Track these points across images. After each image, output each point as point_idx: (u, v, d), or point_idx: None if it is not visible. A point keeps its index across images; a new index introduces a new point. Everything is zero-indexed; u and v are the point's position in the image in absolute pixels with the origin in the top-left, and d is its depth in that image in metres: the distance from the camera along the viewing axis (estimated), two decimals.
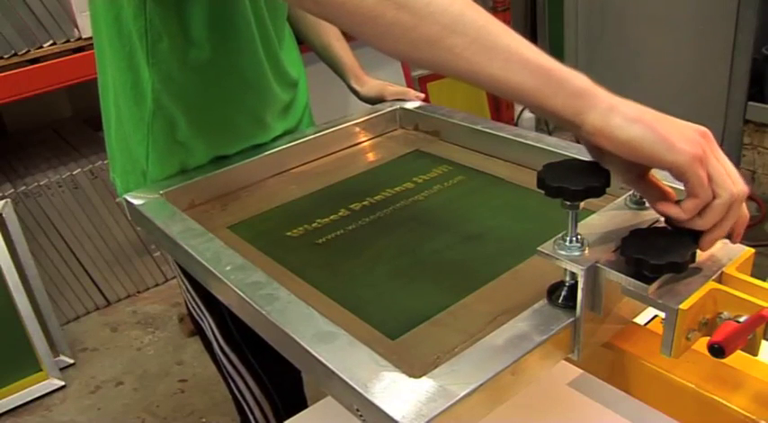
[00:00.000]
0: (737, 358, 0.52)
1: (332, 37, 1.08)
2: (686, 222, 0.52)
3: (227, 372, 1.01)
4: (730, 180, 0.51)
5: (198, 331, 1.06)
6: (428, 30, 0.53)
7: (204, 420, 1.78)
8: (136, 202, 0.83)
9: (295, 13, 1.05)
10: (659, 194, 0.54)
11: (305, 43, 1.09)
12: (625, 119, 0.50)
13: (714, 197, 0.50)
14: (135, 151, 0.88)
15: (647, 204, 0.59)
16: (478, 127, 0.95)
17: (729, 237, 0.54)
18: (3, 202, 1.85)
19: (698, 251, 0.53)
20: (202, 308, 0.96)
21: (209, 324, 0.98)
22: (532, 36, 2.96)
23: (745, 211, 0.53)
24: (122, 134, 0.89)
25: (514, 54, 0.52)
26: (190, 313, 1.04)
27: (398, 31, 0.54)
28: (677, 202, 0.53)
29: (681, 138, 0.50)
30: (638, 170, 0.54)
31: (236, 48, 0.84)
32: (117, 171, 0.94)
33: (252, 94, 0.89)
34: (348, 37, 0.96)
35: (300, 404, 1.07)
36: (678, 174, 0.50)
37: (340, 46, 1.08)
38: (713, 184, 0.50)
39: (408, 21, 0.53)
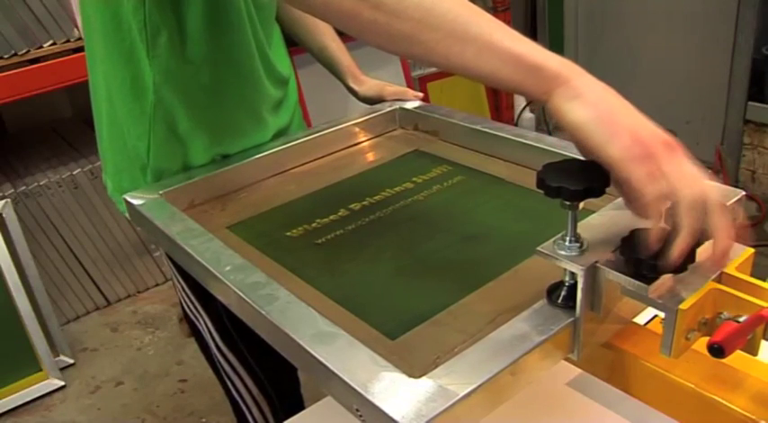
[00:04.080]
0: (737, 358, 0.52)
1: (328, 38, 1.08)
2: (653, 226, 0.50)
3: (225, 372, 1.00)
4: (686, 181, 0.49)
5: (194, 332, 1.06)
6: (402, 26, 0.56)
7: (204, 420, 1.78)
8: (135, 202, 0.83)
9: (291, 16, 1.05)
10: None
11: (302, 45, 1.10)
12: (580, 102, 0.51)
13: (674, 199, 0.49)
14: (134, 147, 0.88)
15: None
16: (478, 127, 0.95)
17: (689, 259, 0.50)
18: (3, 202, 1.85)
19: (697, 251, 0.52)
20: (198, 308, 0.96)
21: (205, 324, 0.97)
22: (532, 36, 2.95)
23: (724, 221, 0.49)
24: (117, 131, 0.90)
25: (485, 43, 0.55)
26: (186, 314, 1.04)
27: (376, 27, 0.58)
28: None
29: (626, 134, 0.49)
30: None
31: (230, 42, 0.85)
32: (108, 172, 0.95)
33: (246, 87, 0.90)
34: (345, 37, 0.96)
35: (298, 402, 1.07)
36: (613, 171, 0.50)
37: (336, 47, 1.08)
38: (668, 184, 0.49)
39: (383, 18, 0.57)
